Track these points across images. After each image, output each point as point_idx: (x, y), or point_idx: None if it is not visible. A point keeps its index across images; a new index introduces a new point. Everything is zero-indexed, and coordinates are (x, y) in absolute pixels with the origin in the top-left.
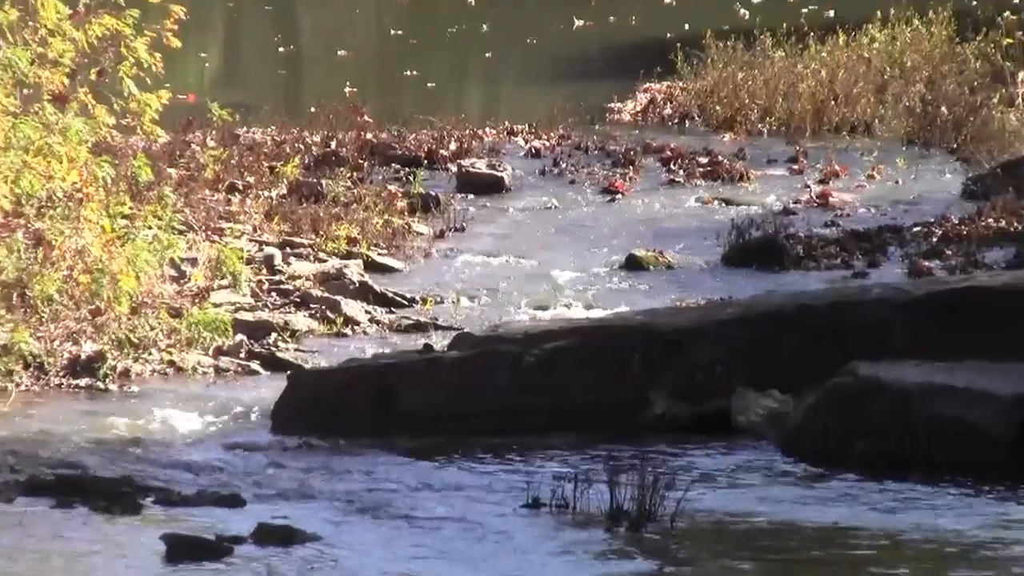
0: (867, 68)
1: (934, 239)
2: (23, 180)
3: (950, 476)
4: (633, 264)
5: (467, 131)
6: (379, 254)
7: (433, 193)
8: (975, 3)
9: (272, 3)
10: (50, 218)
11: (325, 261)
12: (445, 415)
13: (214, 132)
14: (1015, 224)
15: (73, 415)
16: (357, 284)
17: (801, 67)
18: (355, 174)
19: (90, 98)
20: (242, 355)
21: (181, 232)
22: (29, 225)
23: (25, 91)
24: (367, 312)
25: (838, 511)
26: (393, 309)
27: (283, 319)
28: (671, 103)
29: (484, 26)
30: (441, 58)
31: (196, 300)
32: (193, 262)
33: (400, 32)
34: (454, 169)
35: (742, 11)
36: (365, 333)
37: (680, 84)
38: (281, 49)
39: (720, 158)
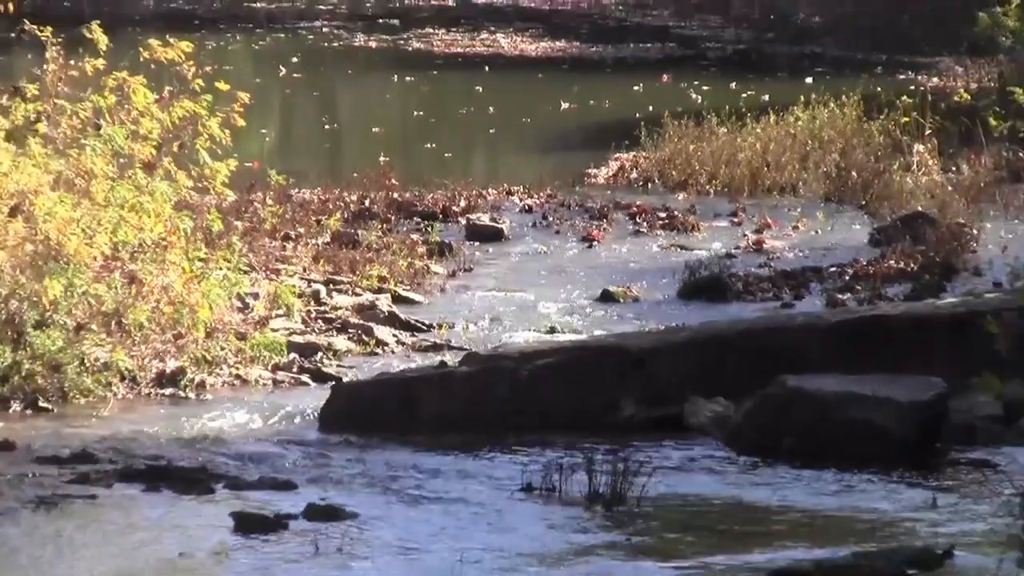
0: (793, 141)
1: (847, 277)
2: (120, 231)
3: (860, 467)
4: (606, 297)
5: (474, 191)
6: (404, 289)
7: (447, 241)
8: (879, 89)
9: (318, 89)
10: (141, 261)
11: (360, 295)
12: (456, 418)
13: (272, 192)
14: (911, 265)
15: (159, 418)
16: (386, 313)
17: (740, 140)
18: (384, 226)
19: (173, 166)
20: (294, 370)
21: (245, 272)
22: (124, 267)
23: (121, 160)
24: (394, 335)
25: (770, 494)
26: (415, 333)
27: (327, 341)
28: (636, 169)
29: (490, 108)
30: (454, 133)
31: (257, 326)
32: (255, 296)
33: (421, 112)
34: (463, 222)
35: (694, 96)
36: (392, 352)
37: (644, 154)
38: (326, 126)
39: (676, 213)
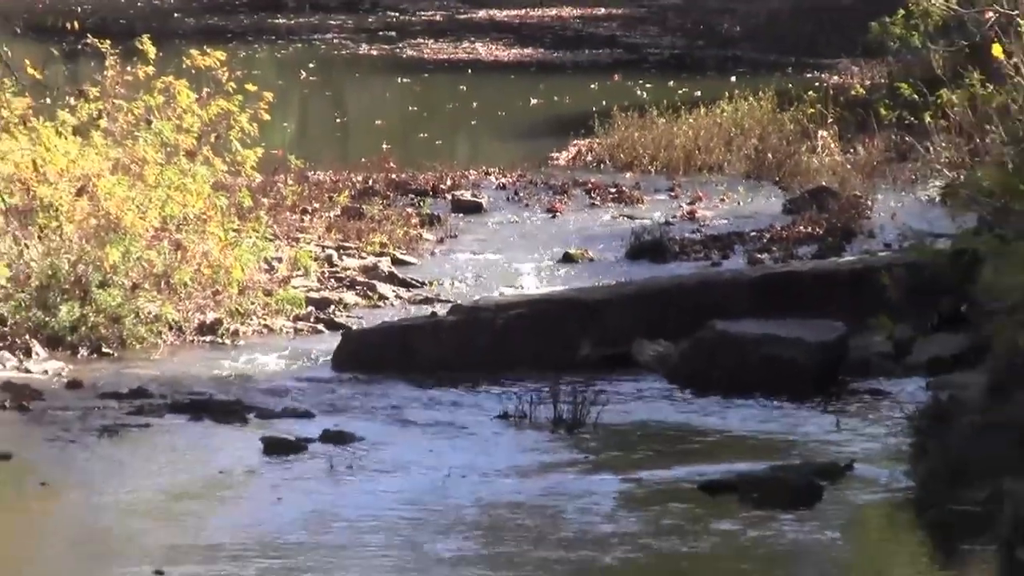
0: (719, 129)
1: (764, 240)
2: (167, 207)
3: (776, 396)
4: (567, 258)
5: (458, 172)
6: (401, 253)
7: (436, 213)
8: (789, 86)
9: (330, 89)
10: (185, 231)
11: (365, 258)
12: (445, 359)
13: (292, 174)
14: (817, 230)
15: (201, 360)
16: (386, 273)
17: (676, 128)
18: (384, 201)
19: (210, 153)
20: (311, 320)
21: (271, 240)
22: (171, 236)
23: (168, 149)
24: (393, 291)
25: (703, 419)
26: (410, 289)
27: (338, 296)
28: (591, 153)
29: (473, 104)
30: (442, 125)
31: (281, 284)
32: (279, 259)
33: (415, 108)
34: (449, 197)
35: (639, 92)
36: (392, 305)
37: (597, 140)
38: (337, 120)
39: (624, 188)
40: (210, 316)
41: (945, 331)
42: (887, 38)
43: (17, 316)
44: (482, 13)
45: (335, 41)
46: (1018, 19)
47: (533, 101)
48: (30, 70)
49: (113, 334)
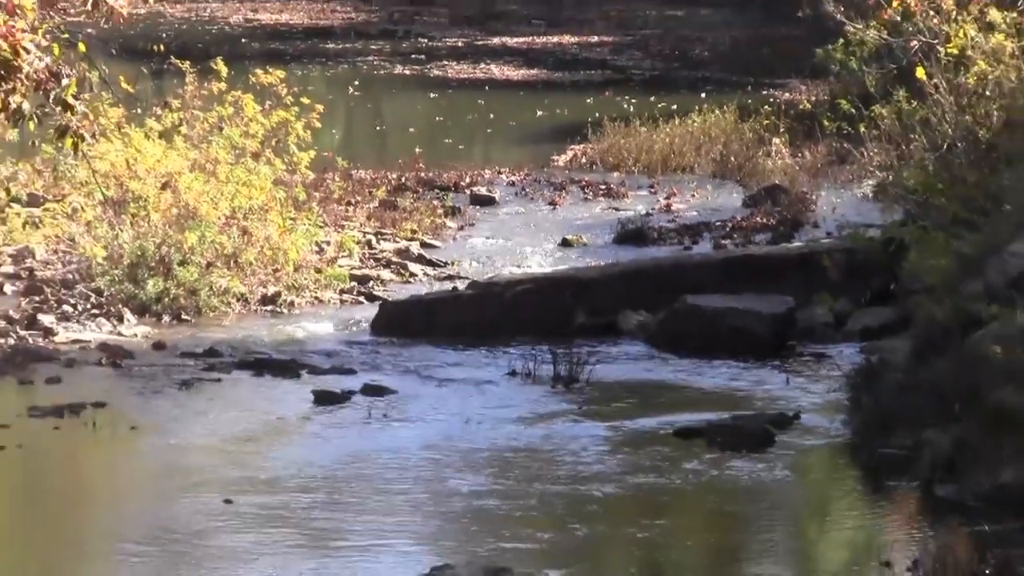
0: (691, 136)
1: (727, 229)
2: (236, 199)
3: (736, 358)
4: (565, 243)
5: (475, 172)
6: (428, 238)
7: (456, 205)
8: (749, 101)
9: (371, 102)
10: (250, 219)
11: (399, 242)
12: (464, 326)
13: (339, 173)
14: (771, 220)
15: (262, 326)
16: (416, 255)
17: (655, 136)
18: (415, 195)
19: (271, 155)
20: (354, 293)
21: (321, 227)
22: (239, 223)
23: (236, 151)
24: (421, 269)
25: (676, 376)
26: (435, 268)
27: (376, 273)
28: (585, 156)
29: (490, 115)
30: (463, 132)
31: (329, 263)
32: (327, 243)
33: (441, 118)
34: (468, 192)
35: (625, 106)
36: (420, 281)
37: (590, 145)
38: (376, 128)
39: (612, 186)
40: (270, 289)
41: (876, 305)
42: (830, 62)
43: (112, 289)
44: (496, 40)
45: (375, 63)
46: (937, 47)
47: (538, 113)
48: (124, 85)
49: (191, 304)
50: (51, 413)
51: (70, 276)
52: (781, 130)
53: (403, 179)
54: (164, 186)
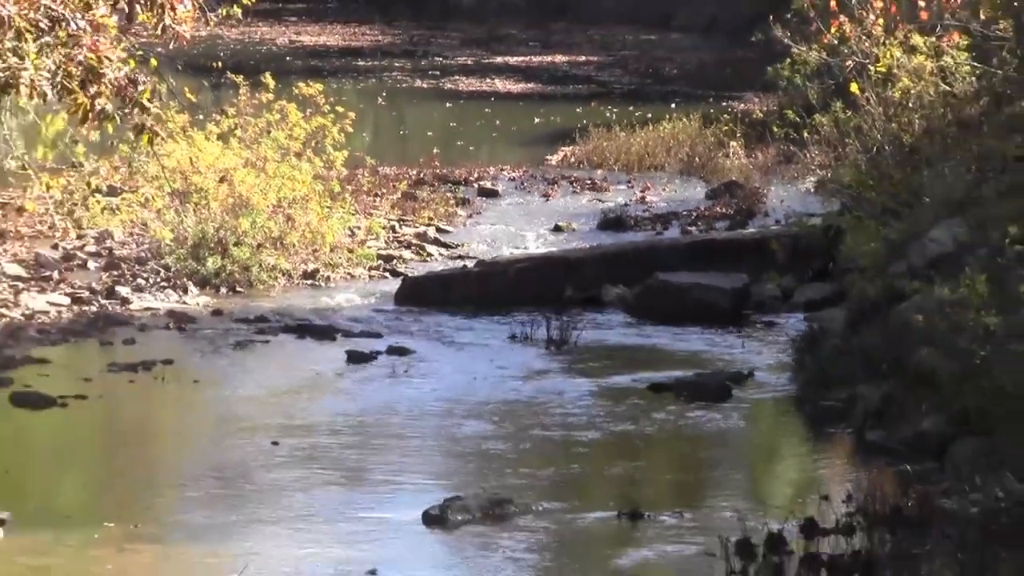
0: (662, 140)
1: (692, 217)
2: (281, 191)
3: (700, 325)
4: (557, 229)
5: (482, 168)
6: (442, 224)
7: (466, 197)
8: (712, 111)
9: (395, 111)
10: (293, 208)
11: (418, 227)
12: (472, 298)
13: (368, 169)
14: (729, 210)
15: (304, 297)
16: (432, 238)
17: (632, 139)
18: (431, 188)
19: (311, 154)
20: (381, 270)
21: (353, 214)
22: (284, 211)
23: (282, 151)
24: (437, 250)
25: (650, 341)
26: (448, 249)
27: (399, 253)
28: (574, 156)
29: (496, 122)
30: (473, 136)
31: (360, 245)
32: (358, 228)
33: (454, 124)
34: (476, 186)
35: (608, 114)
36: (436, 259)
37: (578, 147)
38: (400, 132)
39: (596, 181)
40: (310, 266)
41: (816, 282)
42: (778, 79)
43: (177, 265)
44: (499, 59)
45: (398, 78)
46: (868, 66)
47: (535, 120)
48: (188, 95)
49: (243, 278)
50: (127, 369)
51: (143, 254)
52: (738, 135)
53: (422, 175)
54: (221, 180)
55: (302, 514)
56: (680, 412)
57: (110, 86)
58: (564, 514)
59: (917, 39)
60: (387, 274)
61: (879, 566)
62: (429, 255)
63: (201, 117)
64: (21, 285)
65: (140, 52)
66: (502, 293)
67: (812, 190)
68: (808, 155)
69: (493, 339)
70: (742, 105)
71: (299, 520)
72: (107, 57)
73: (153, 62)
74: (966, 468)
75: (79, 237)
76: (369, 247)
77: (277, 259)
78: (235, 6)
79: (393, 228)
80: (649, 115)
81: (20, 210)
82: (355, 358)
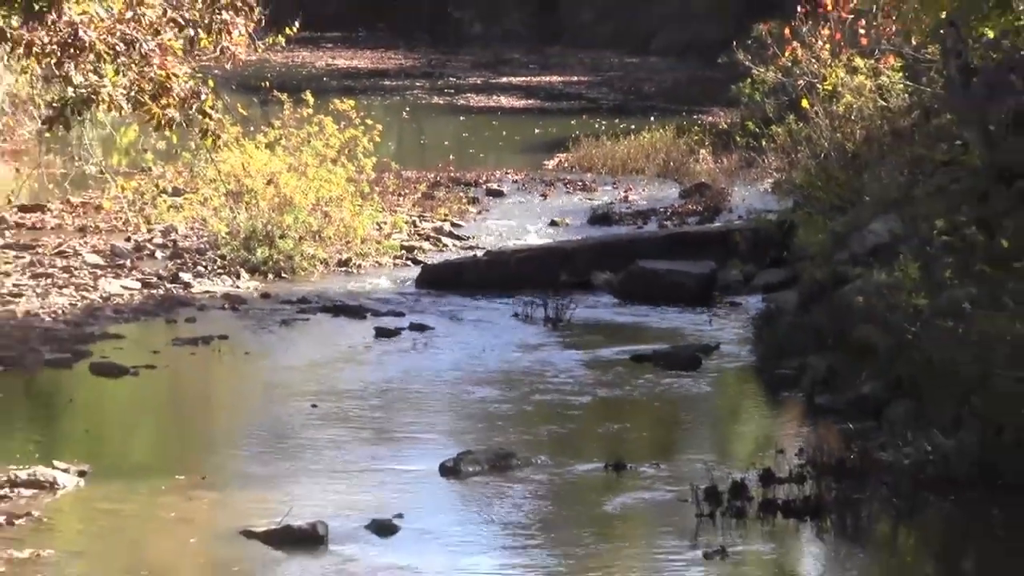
0: (642, 148)
1: (668, 214)
2: (320, 192)
3: (675, 305)
4: (553, 224)
5: (489, 172)
6: (456, 220)
7: (476, 196)
8: (684, 123)
9: (416, 123)
10: (330, 206)
11: (435, 223)
12: (482, 282)
13: (393, 173)
14: (699, 207)
15: (339, 282)
16: (447, 231)
17: (617, 147)
18: (447, 189)
19: (345, 160)
20: (404, 259)
21: (380, 211)
22: (322, 208)
23: (320, 158)
24: (451, 242)
25: (632, 318)
26: (461, 240)
27: (420, 245)
28: (567, 161)
29: (503, 132)
30: (482, 145)
31: (386, 237)
32: (385, 223)
33: (466, 134)
34: (484, 187)
35: (596, 126)
36: (451, 250)
37: (571, 154)
38: (420, 141)
39: (586, 183)
40: (344, 256)
41: (773, 268)
42: (741, 95)
43: (231, 255)
44: (504, 79)
45: (419, 95)
46: (817, 85)
47: (535, 131)
48: (240, 110)
49: (288, 266)
50: (188, 343)
51: (202, 246)
52: (706, 143)
53: (438, 178)
54: (269, 182)
55: (336, 466)
56: (657, 379)
57: (177, 98)
58: (559, 466)
59: (858, 61)
60: (409, 262)
61: (826, 509)
62: (445, 246)
63: (251, 129)
64: (99, 272)
65: (200, 75)
66: (507, 278)
67: (769, 190)
68: (766, 160)
69: (499, 317)
70: (710, 118)
71: (334, 471)
72: (174, 74)
73: (211, 82)
74: (899, 426)
75: (148, 231)
76: (394, 239)
77: (316, 250)
78: (280, 35)
79: (414, 223)
80: (631, 126)
81: (99, 208)
82: (382, 333)
